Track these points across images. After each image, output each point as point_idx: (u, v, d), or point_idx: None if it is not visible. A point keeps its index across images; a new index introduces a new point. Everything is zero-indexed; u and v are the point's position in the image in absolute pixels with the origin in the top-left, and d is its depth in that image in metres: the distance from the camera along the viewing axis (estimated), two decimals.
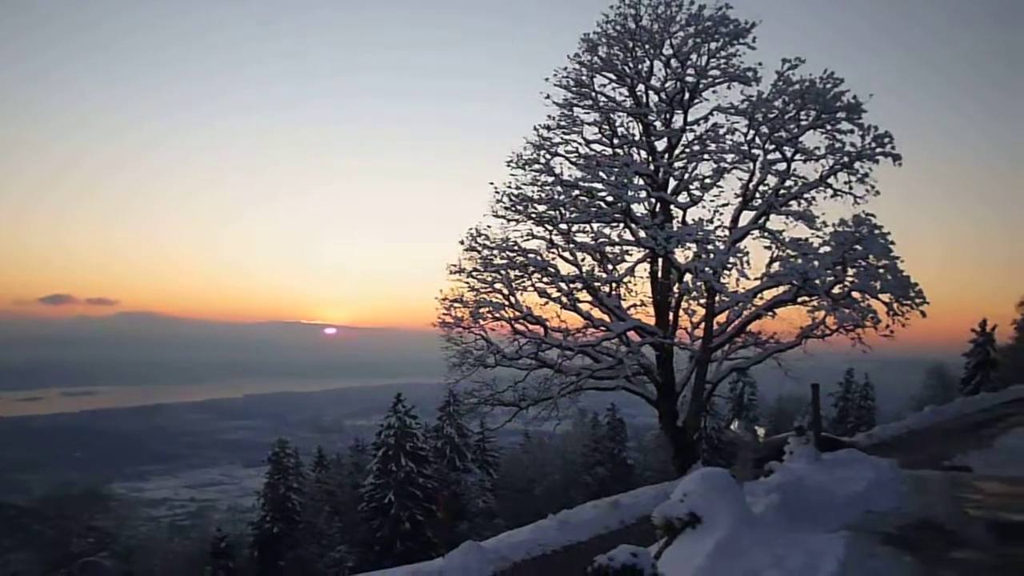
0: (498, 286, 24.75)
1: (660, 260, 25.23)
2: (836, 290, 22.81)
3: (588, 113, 25.76)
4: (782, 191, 24.20)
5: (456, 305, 24.71)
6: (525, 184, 25.13)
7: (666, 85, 25.53)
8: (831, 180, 23.93)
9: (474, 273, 24.78)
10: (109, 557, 48.70)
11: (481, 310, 24.47)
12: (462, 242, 24.89)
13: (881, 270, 22.43)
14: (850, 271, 22.65)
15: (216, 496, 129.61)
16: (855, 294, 22.87)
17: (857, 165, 23.57)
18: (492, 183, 25.15)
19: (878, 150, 23.21)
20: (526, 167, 25.18)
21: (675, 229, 24.20)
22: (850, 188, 23.75)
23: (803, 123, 23.76)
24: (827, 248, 22.57)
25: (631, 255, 25.77)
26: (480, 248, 24.82)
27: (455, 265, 24.88)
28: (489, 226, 25.02)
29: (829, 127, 23.64)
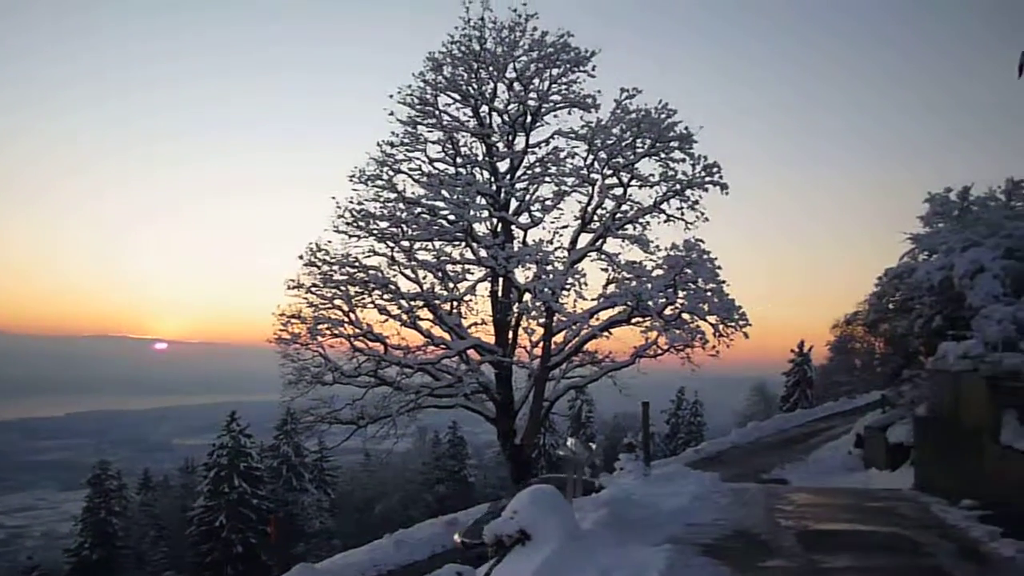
0: (338, 302, 24.36)
1: (501, 280, 25.51)
2: (668, 311, 23.72)
3: (432, 131, 25.87)
4: (619, 215, 25.04)
5: (294, 321, 24.13)
6: (367, 200, 24.94)
7: (509, 107, 25.98)
8: (664, 206, 24.99)
9: (313, 289, 24.28)
10: None
11: (320, 326, 23.99)
12: (301, 257, 24.37)
13: (709, 293, 23.51)
14: (681, 293, 23.62)
15: (28, 522, 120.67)
16: (685, 315, 23.84)
17: (688, 192, 24.74)
18: (334, 197, 24.83)
19: (707, 179, 24.44)
20: (369, 183, 25.00)
21: (516, 249, 24.60)
22: (682, 214, 24.92)
23: (639, 150, 24.73)
24: (660, 271, 23.49)
25: (472, 274, 25.95)
26: (320, 263, 24.37)
27: (294, 280, 24.31)
28: (330, 241, 24.63)
29: (663, 155, 24.71)
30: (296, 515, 48.35)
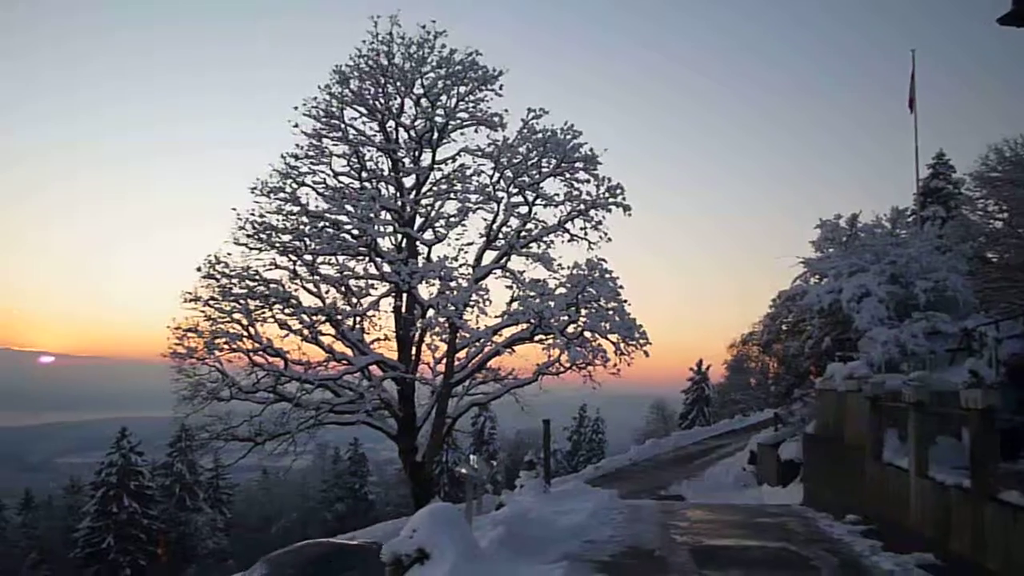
0: (236, 316, 23.82)
1: (404, 295, 25.39)
2: (570, 329, 24.03)
3: (337, 145, 25.68)
4: (523, 233, 25.28)
5: (190, 335, 23.50)
6: (270, 212, 24.54)
7: (416, 123, 25.98)
8: (568, 225, 25.39)
9: (211, 302, 23.71)
10: None
11: (217, 341, 23.40)
12: (199, 269, 23.76)
13: (610, 311, 23.95)
14: (583, 312, 24.00)
15: None
16: (587, 334, 24.22)
17: (592, 212, 25.20)
18: (234, 209, 24.31)
19: (611, 200, 24.93)
20: (271, 195, 24.60)
21: (420, 265, 24.56)
22: (585, 234, 25.36)
23: (544, 170, 25.07)
24: (563, 289, 23.81)
25: (376, 289, 25.77)
26: (219, 276, 23.80)
27: (190, 293, 23.69)
28: (229, 253, 24.09)
29: (568, 175, 25.13)
30: (189, 535, 46.85)
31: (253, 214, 24.31)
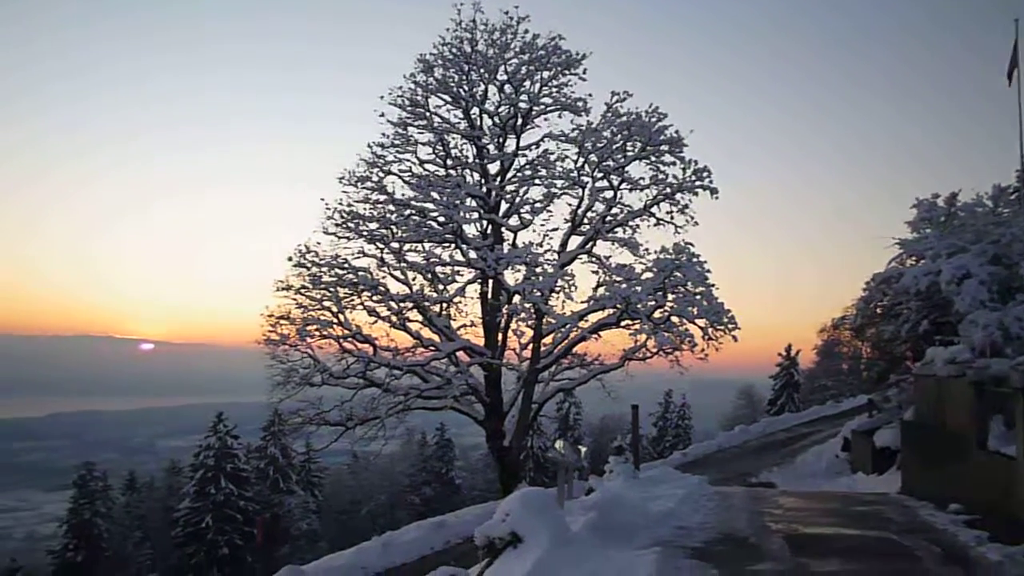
0: (327, 304, 24.29)
1: (490, 281, 25.53)
2: (657, 314, 23.79)
3: (422, 133, 25.90)
4: (609, 218, 25.11)
5: (282, 322, 24.04)
6: (357, 201, 24.97)
7: (500, 109, 26.02)
8: (654, 209, 25.10)
9: (302, 290, 24.22)
10: None
11: (308, 328, 23.90)
12: (290, 258, 24.30)
13: (698, 296, 23.62)
14: (670, 297, 23.72)
15: (10, 524, 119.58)
16: (674, 319, 23.94)
17: (678, 196, 24.84)
18: (323, 199, 24.83)
19: (697, 183, 24.53)
20: (358, 184, 25.00)
21: (505, 251, 24.62)
22: (672, 218, 25.03)
23: (629, 154, 24.81)
24: (649, 274, 23.57)
25: (462, 276, 25.93)
26: (309, 265, 24.30)
27: (282, 282, 24.25)
28: (319, 243, 24.59)
29: (653, 159, 24.79)
30: (282, 517, 48.13)
31: (341, 204, 24.81)
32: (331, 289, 24.20)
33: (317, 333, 24.04)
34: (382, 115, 25.47)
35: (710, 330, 23.85)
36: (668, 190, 24.83)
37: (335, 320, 24.25)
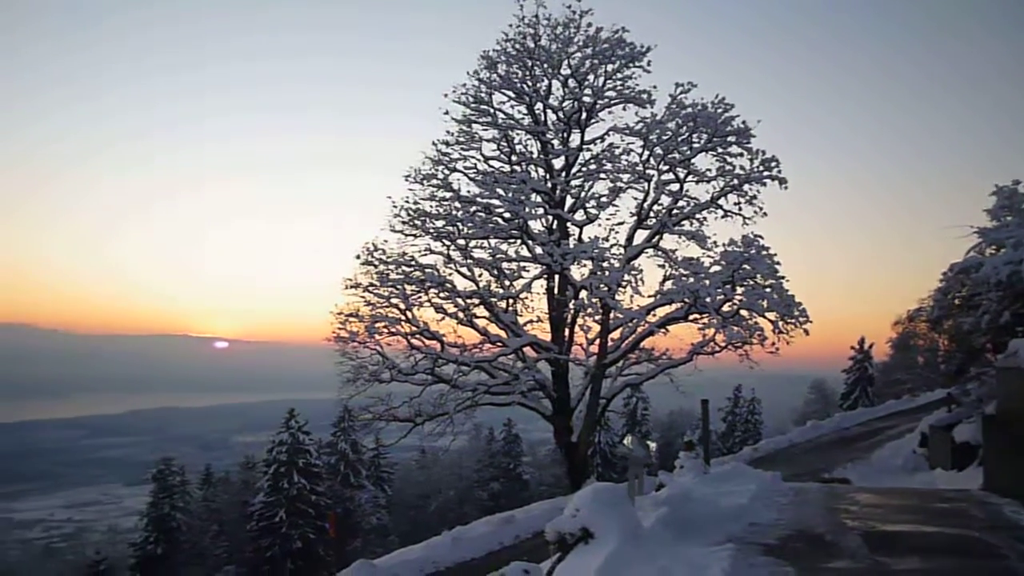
0: (394, 301, 24.56)
1: (556, 277, 25.52)
2: (725, 308, 23.47)
3: (487, 130, 25.97)
4: (675, 211, 24.85)
5: (351, 320, 24.40)
6: (423, 199, 25.19)
7: (564, 104, 25.95)
8: (721, 201, 24.74)
9: (370, 288, 24.54)
10: None
11: (377, 325, 24.22)
12: (358, 256, 24.67)
13: (768, 289, 23.23)
14: (739, 290, 23.38)
15: (94, 516, 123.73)
16: (743, 312, 23.61)
17: (746, 187, 24.44)
18: (390, 197, 25.07)
19: (765, 174, 24.10)
20: (424, 182, 25.20)
21: (571, 246, 24.57)
22: (739, 209, 24.64)
23: (695, 145, 24.50)
24: (717, 267, 23.27)
25: (528, 271, 26.02)
26: (376, 263, 24.63)
27: (351, 280, 24.62)
28: (386, 240, 24.91)
29: (720, 150, 24.44)
30: (353, 511, 48.81)
31: (407, 201, 25.07)
32: (399, 286, 24.46)
33: (385, 330, 24.34)
34: (446, 113, 25.68)
35: (781, 323, 23.47)
36: (735, 181, 24.46)
37: (403, 317, 24.52)
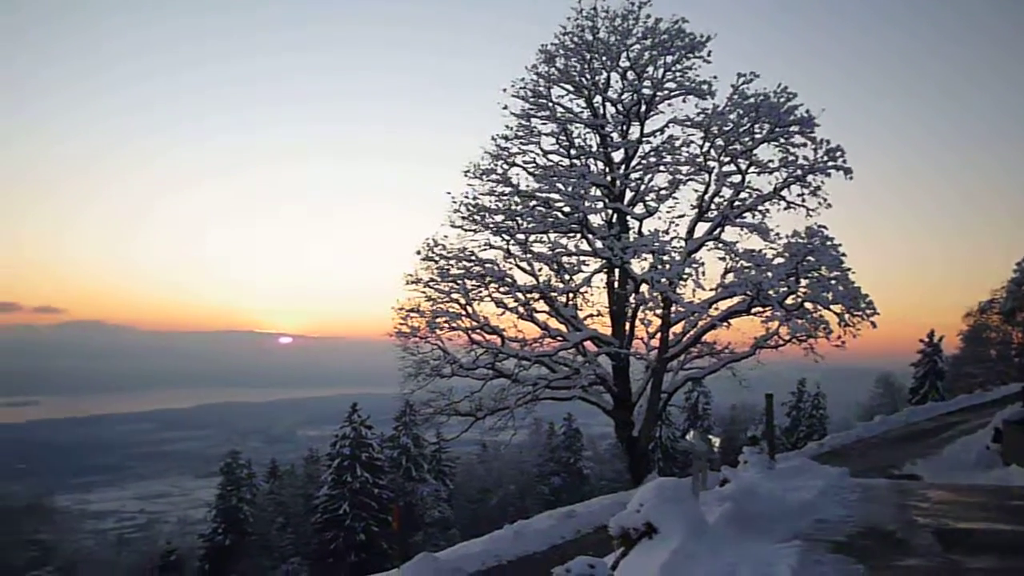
0: (455, 296, 24.70)
1: (617, 271, 25.39)
2: (789, 301, 23.09)
3: (545, 124, 25.90)
4: (737, 203, 24.49)
5: (412, 315, 24.61)
6: (482, 194, 25.25)
7: (623, 97, 25.76)
8: (784, 192, 24.27)
9: (431, 283, 24.71)
10: (53, 572, 47.67)
11: (438, 320, 24.38)
12: (419, 252, 24.87)
13: (833, 281, 22.75)
14: (803, 282, 22.96)
15: (165, 508, 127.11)
16: (808, 305, 23.17)
17: (810, 178, 23.94)
18: (449, 193, 25.19)
19: (830, 164, 23.59)
20: (483, 177, 25.26)
21: (631, 240, 24.39)
22: (803, 200, 24.14)
23: (757, 136, 24.08)
24: (780, 259, 22.87)
25: (588, 265, 25.90)
26: (437, 258, 24.78)
27: (412, 275, 24.82)
28: (446, 236, 25.05)
29: (783, 140, 23.97)
30: (415, 505, 49.28)
31: (467, 197, 25.14)
32: (459, 281, 24.59)
33: (446, 325, 24.49)
34: (505, 107, 25.70)
35: (847, 316, 22.97)
36: (799, 172, 23.98)
37: (463, 312, 24.65)
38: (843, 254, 22.75)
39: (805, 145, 23.80)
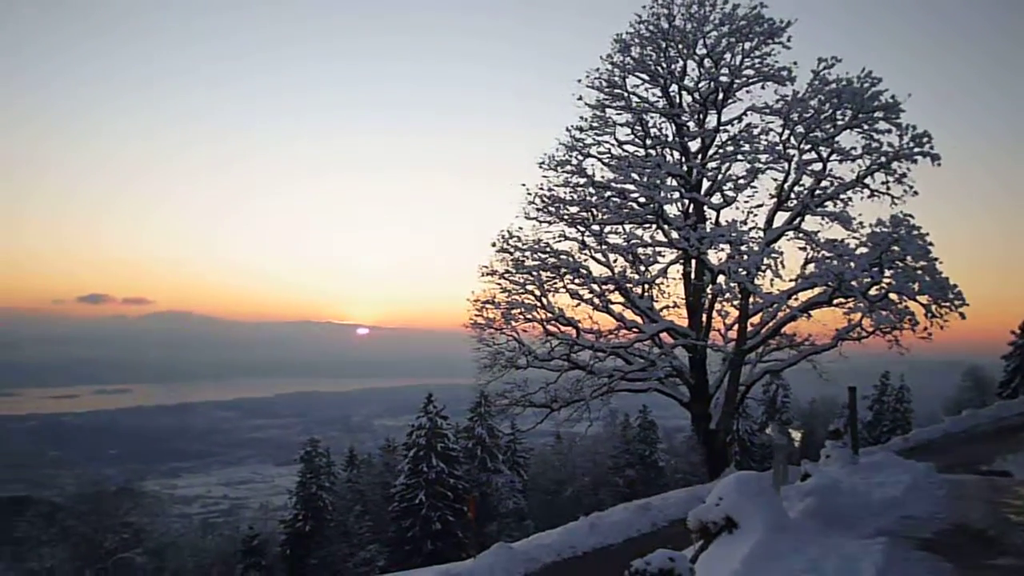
0: (530, 287, 24.72)
1: (693, 261, 25.09)
2: (873, 292, 22.50)
3: (620, 114, 25.68)
4: (817, 192, 23.92)
5: (488, 306, 24.71)
6: (557, 185, 25.16)
7: (699, 85, 25.39)
8: (868, 180, 23.57)
9: (506, 274, 24.77)
10: (142, 554, 49.33)
11: (513, 311, 24.45)
12: (494, 244, 24.92)
13: (919, 271, 22.10)
14: (887, 272, 22.33)
15: (248, 494, 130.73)
16: (892, 296, 22.55)
17: (895, 165, 23.20)
18: (524, 184, 25.19)
19: (916, 150, 22.83)
20: (558, 168, 25.17)
21: (708, 230, 24.00)
22: (887, 188, 23.41)
23: (839, 123, 23.44)
24: (864, 249, 22.27)
25: (664, 256, 25.62)
26: (512, 250, 24.82)
27: (487, 267, 24.94)
28: (521, 228, 25.04)
29: (866, 127, 23.29)
30: (489, 495, 49.49)
31: (541, 188, 25.08)
32: (534, 273, 24.59)
33: (521, 316, 24.55)
34: (580, 98, 25.53)
35: (934, 307, 22.28)
36: (883, 159, 23.26)
37: (538, 303, 24.65)
38: (930, 243, 22.08)
39: (890, 131, 23.07)
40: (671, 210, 25.07)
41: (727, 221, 24.35)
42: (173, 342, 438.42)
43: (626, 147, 25.61)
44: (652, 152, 25.31)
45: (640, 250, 25.26)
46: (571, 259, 24.70)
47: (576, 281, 24.77)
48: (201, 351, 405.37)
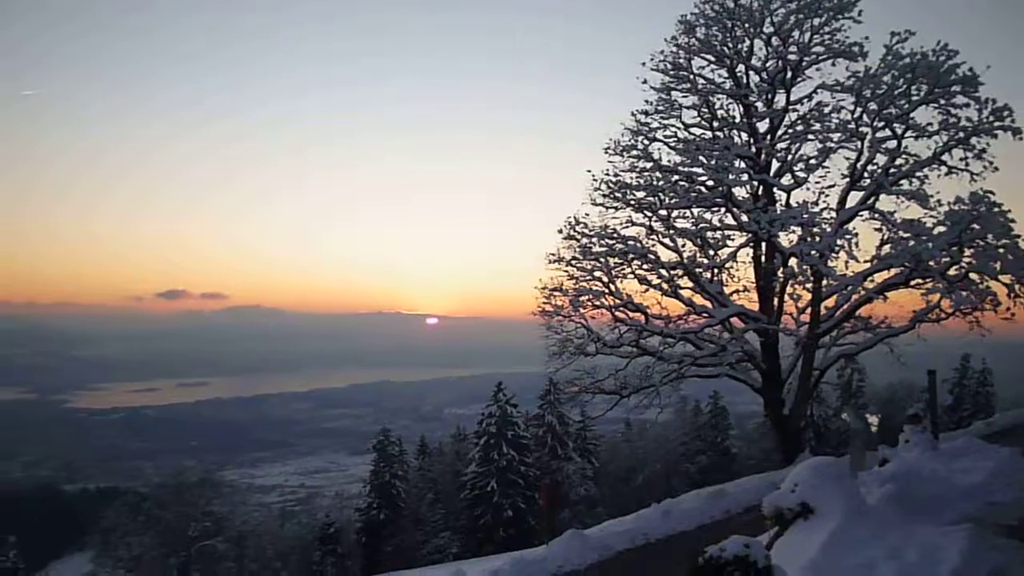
0: (597, 274, 24.60)
1: (763, 244, 24.68)
2: (952, 272, 21.88)
3: (686, 96, 25.36)
4: (892, 170, 23.25)
5: (556, 294, 24.68)
6: (623, 171, 24.95)
7: (767, 64, 24.90)
8: (945, 157, 22.84)
9: (573, 261, 24.68)
10: (224, 541, 50.80)
11: (581, 298, 24.36)
12: (561, 231, 24.84)
13: (1001, 250, 21.40)
14: (967, 252, 21.71)
15: (323, 483, 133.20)
16: (973, 275, 21.90)
17: (974, 140, 22.42)
18: (590, 170, 25.04)
19: (996, 124, 22.02)
20: (624, 153, 24.95)
21: (779, 212, 23.59)
22: (966, 165, 22.64)
23: (914, 98, 22.72)
24: (942, 228, 21.64)
25: (733, 240, 25.26)
26: (579, 236, 24.70)
27: (554, 254, 24.85)
28: (587, 214, 24.90)
29: (943, 102, 22.54)
30: (561, 483, 49.52)
31: (607, 174, 24.89)
32: (601, 259, 24.46)
33: (589, 303, 24.45)
34: (644, 82, 25.26)
35: (1017, 287, 21.55)
36: (961, 135, 22.48)
37: (606, 290, 24.52)
38: (1012, 220, 21.37)
39: (968, 106, 22.29)
40: (740, 192, 24.73)
41: (798, 202, 23.88)
42: (247, 335, 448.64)
43: (693, 130, 25.29)
44: (720, 134, 24.94)
45: (709, 234, 24.94)
46: (639, 244, 24.48)
47: (644, 267, 24.56)
48: (275, 343, 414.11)
